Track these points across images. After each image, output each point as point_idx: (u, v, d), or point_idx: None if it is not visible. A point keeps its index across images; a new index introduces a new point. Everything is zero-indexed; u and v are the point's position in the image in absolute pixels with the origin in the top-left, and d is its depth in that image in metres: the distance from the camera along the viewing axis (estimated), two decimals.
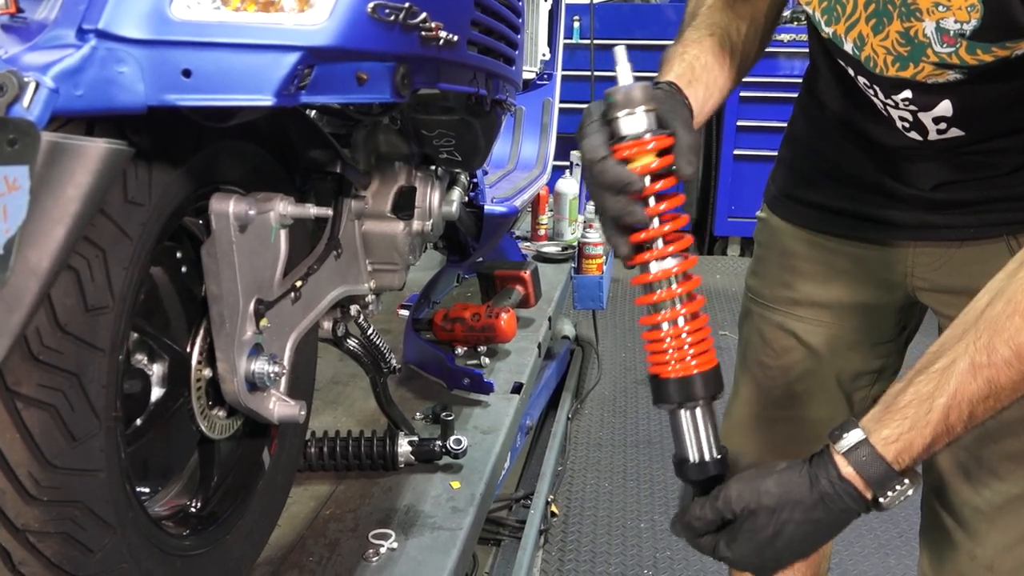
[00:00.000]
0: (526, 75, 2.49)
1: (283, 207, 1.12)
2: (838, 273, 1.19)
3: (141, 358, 1.07)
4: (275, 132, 1.21)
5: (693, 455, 0.89)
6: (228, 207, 1.03)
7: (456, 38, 1.06)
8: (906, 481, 0.81)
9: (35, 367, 0.82)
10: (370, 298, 1.47)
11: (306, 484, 1.61)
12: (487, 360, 2.20)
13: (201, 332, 1.10)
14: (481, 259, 2.75)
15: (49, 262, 0.74)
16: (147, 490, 1.13)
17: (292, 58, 0.84)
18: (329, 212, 1.14)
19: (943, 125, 1.00)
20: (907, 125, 1.03)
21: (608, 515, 2.78)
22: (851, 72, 1.04)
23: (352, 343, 1.54)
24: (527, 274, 2.43)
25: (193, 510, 1.17)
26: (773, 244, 1.27)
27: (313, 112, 1.42)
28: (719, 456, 0.90)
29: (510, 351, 2.32)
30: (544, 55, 2.66)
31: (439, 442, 1.66)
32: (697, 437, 0.89)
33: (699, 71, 1.02)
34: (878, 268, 1.16)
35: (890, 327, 1.20)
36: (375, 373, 1.61)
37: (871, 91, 1.03)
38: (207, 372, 1.11)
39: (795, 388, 1.24)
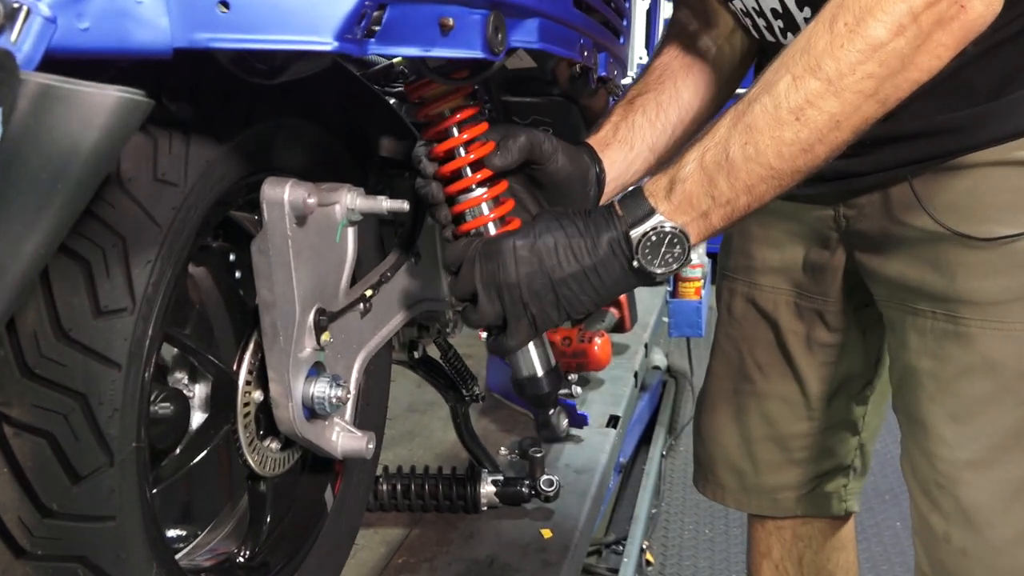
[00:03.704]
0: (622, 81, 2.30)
1: (351, 199, 0.95)
2: (787, 235, 1.18)
3: (180, 376, 0.91)
4: (347, 116, 1.04)
5: (540, 368, 0.93)
6: (283, 193, 0.86)
7: None
8: (667, 226, 0.81)
9: (29, 384, 0.67)
10: (451, 315, 1.31)
11: (376, 526, 1.50)
12: (579, 389, 2.03)
13: (251, 347, 0.93)
14: None
15: (33, 242, 0.56)
16: (183, 535, 0.95)
17: None
18: (405, 205, 0.96)
19: (808, 10, 0.95)
20: (782, 25, 1.00)
21: (709, 564, 2.56)
22: None
23: (431, 366, 1.40)
24: (622, 296, 2.23)
25: (241, 560, 1.01)
26: None
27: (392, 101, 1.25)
28: (555, 365, 0.95)
29: (604, 380, 2.16)
30: (641, 59, 2.46)
31: (527, 482, 1.53)
32: (541, 351, 0.93)
33: (623, 131, 1.06)
34: (817, 226, 1.13)
35: (839, 292, 1.16)
36: (456, 401, 1.49)
37: None
38: (257, 395, 0.94)
39: (758, 360, 1.23)
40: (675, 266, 0.82)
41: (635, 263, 0.82)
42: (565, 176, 0.94)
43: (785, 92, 0.77)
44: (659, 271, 0.82)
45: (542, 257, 0.83)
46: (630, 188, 0.90)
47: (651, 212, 0.81)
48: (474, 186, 0.91)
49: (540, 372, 0.94)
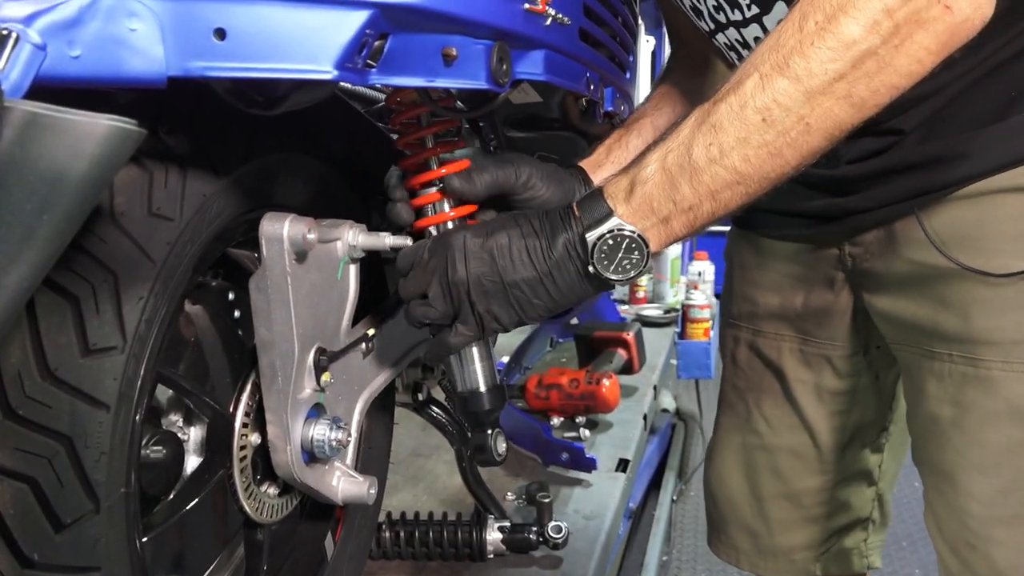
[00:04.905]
0: None
1: (353, 236, 0.92)
2: (788, 279, 1.13)
3: (174, 418, 0.87)
4: (350, 152, 1.02)
5: (483, 383, 0.89)
6: (282, 229, 0.83)
7: (569, 21, 0.85)
8: (626, 229, 0.76)
9: (12, 426, 0.64)
10: None
11: (379, 575, 1.44)
12: (587, 432, 1.97)
13: (248, 388, 0.90)
14: (576, 321, 2.52)
15: (16, 275, 0.54)
16: None
17: (359, 18, 0.64)
18: (409, 242, 0.93)
19: None
20: None
21: None
22: (705, 23, 0.98)
23: (435, 409, 1.35)
24: (630, 336, 2.20)
25: None
26: (734, 256, 1.23)
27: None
28: (499, 383, 0.91)
29: (612, 423, 2.09)
30: None
31: (535, 529, 1.47)
32: (486, 365, 0.90)
33: (616, 152, 1.04)
34: (821, 267, 1.08)
35: (847, 335, 1.10)
36: (461, 445, 1.42)
37: (722, 15, 0.96)
38: (254, 438, 0.91)
39: (765, 412, 1.17)
40: (632, 273, 0.76)
41: (590, 268, 0.77)
42: (548, 204, 0.90)
43: (752, 91, 0.72)
44: (614, 278, 0.77)
45: (494, 255, 0.78)
46: (592, 189, 0.85)
47: (609, 214, 0.76)
48: (438, 180, 0.88)
49: (483, 387, 0.89)
